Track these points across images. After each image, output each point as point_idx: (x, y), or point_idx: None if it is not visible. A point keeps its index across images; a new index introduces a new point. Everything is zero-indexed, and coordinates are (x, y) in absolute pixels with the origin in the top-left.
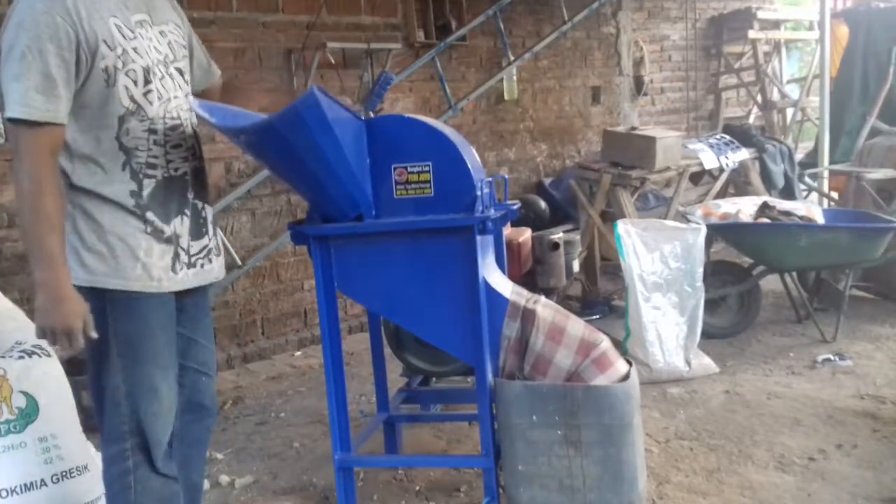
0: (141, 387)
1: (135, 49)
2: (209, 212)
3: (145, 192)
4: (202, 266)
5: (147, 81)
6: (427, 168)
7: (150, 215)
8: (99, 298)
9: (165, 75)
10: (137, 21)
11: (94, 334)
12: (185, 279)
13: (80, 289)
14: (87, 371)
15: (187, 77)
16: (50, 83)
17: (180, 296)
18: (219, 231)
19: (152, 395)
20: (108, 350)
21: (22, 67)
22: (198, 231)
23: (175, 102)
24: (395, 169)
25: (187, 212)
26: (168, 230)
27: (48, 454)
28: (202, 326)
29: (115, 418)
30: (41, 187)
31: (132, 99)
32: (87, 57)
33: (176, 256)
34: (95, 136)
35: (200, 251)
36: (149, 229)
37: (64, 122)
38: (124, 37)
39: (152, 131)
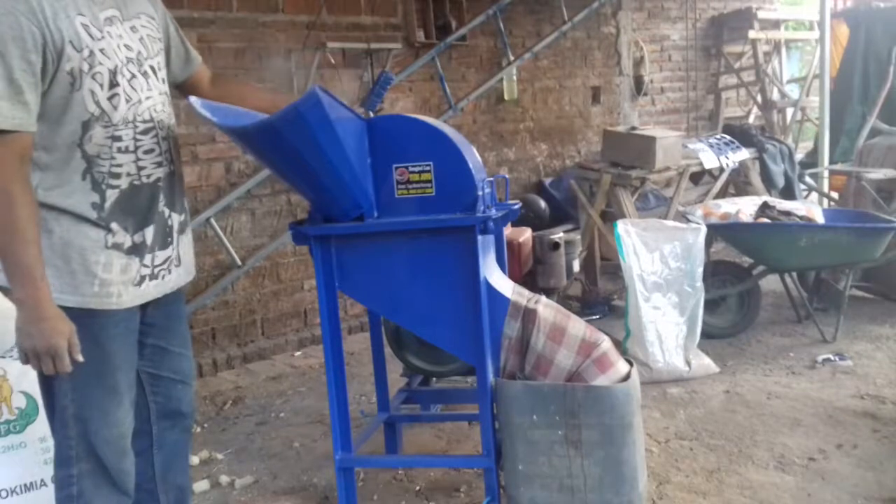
0: (92, 410)
1: (102, 50)
2: (175, 220)
3: (107, 203)
4: (163, 277)
5: (113, 84)
6: (428, 168)
7: (114, 226)
8: None
9: (137, 75)
10: (107, 18)
11: (80, 357)
12: (147, 291)
13: None
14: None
15: (162, 75)
16: (14, 88)
17: (146, 307)
18: (184, 239)
19: (103, 419)
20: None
21: None
22: (163, 241)
23: (147, 104)
24: (396, 168)
25: (156, 221)
26: (134, 241)
27: (48, 454)
28: (176, 335)
29: (63, 441)
30: (12, 199)
31: (97, 104)
32: (52, 58)
33: (140, 268)
34: (55, 144)
35: (164, 262)
36: (110, 242)
37: (32, 129)
38: (91, 37)
39: (116, 138)
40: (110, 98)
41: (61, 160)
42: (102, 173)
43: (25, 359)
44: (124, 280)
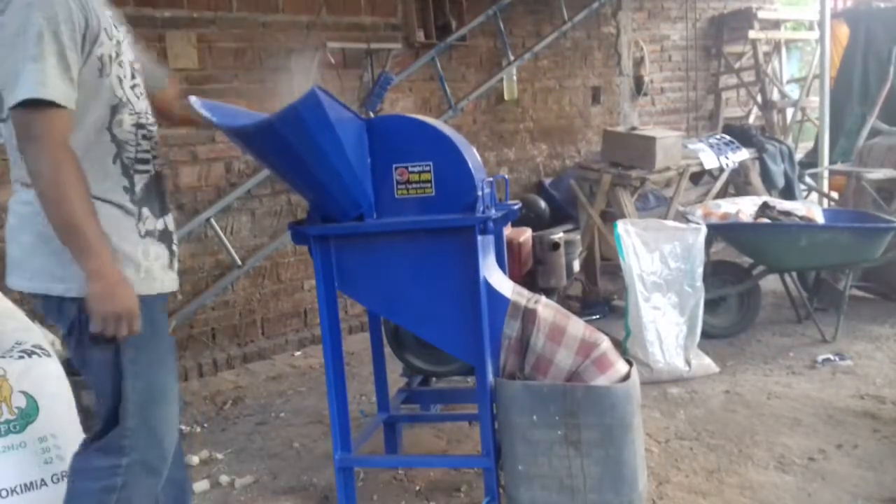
0: (155, 393)
1: (121, 42)
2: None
3: (138, 188)
4: (176, 269)
5: (134, 76)
6: (428, 168)
7: (145, 212)
8: None
9: (139, 74)
10: (113, 18)
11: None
12: (175, 278)
13: (79, 301)
14: (89, 381)
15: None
16: (64, 66)
17: None
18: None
19: (166, 399)
20: (120, 360)
21: (40, 48)
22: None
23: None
24: (396, 169)
25: (171, 210)
26: (160, 227)
27: (48, 454)
28: None
29: (118, 430)
30: (66, 174)
31: (124, 91)
32: (89, 42)
33: (171, 254)
34: (87, 128)
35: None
36: (143, 230)
37: (73, 107)
38: (116, 28)
39: (140, 126)
40: (133, 87)
41: (91, 144)
42: (131, 159)
43: (103, 323)
44: (160, 266)
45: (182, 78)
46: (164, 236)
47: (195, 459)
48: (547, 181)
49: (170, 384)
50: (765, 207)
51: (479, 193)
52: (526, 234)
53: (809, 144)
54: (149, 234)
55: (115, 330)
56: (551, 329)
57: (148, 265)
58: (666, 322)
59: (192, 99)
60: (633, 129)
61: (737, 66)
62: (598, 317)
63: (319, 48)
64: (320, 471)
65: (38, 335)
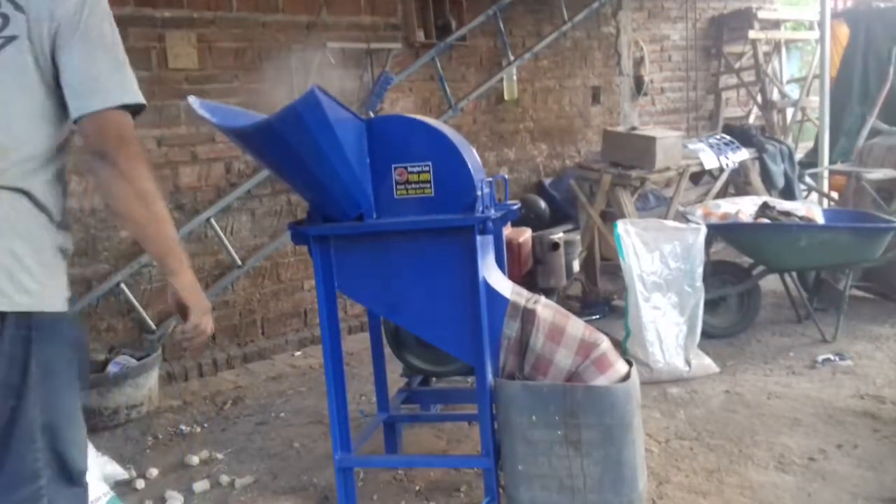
0: (64, 414)
1: None
2: None
3: (65, 203)
4: None
5: None
6: (427, 168)
7: (67, 232)
8: (24, 326)
9: None
10: None
11: None
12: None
13: (5, 316)
14: None
15: None
16: None
17: None
18: None
19: (76, 419)
20: (28, 381)
21: (125, 55)
22: None
23: None
24: (395, 169)
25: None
26: (70, 247)
27: None
28: None
29: (28, 455)
30: (150, 175)
31: None
32: None
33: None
34: (66, 139)
35: None
36: (62, 245)
37: None
38: None
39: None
40: None
41: (62, 159)
42: (66, 181)
43: (201, 320)
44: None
45: (182, 78)
46: (67, 256)
47: (195, 459)
48: (547, 181)
49: (77, 408)
50: (765, 207)
51: (479, 193)
52: (526, 234)
53: (809, 144)
54: (65, 251)
55: (205, 326)
56: (551, 329)
57: (65, 280)
58: (666, 322)
59: (192, 99)
60: (633, 129)
61: (737, 66)
62: (598, 317)
63: (319, 48)
64: (320, 471)
65: None
